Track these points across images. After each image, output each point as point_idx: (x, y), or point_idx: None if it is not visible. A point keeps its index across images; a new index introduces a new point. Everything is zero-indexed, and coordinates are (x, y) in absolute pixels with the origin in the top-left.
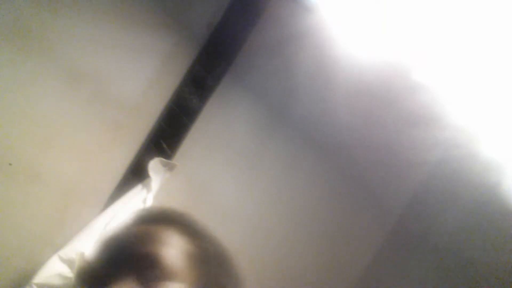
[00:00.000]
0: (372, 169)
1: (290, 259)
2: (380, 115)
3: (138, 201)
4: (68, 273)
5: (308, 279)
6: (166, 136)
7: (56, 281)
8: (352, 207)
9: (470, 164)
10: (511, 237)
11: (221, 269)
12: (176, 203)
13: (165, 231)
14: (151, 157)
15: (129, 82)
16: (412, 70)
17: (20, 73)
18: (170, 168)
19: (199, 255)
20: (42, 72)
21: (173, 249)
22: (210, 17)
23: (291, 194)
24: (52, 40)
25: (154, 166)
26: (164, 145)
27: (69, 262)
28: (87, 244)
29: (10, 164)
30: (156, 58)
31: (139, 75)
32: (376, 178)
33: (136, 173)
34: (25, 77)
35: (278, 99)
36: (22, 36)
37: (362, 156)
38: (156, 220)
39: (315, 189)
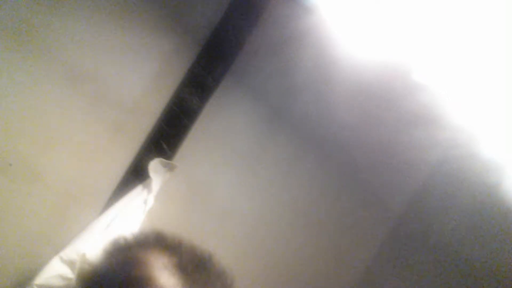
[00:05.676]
0: (372, 169)
1: (290, 259)
2: (380, 115)
3: (139, 202)
4: (69, 274)
5: (308, 278)
6: (166, 137)
7: (57, 282)
8: (352, 207)
9: (470, 164)
10: (511, 237)
11: (209, 271)
12: (176, 203)
13: (149, 253)
14: (151, 158)
15: (129, 82)
16: (412, 70)
17: (20, 74)
18: (171, 168)
19: (184, 264)
20: (42, 72)
21: (161, 269)
22: (210, 17)
23: (291, 193)
24: (53, 41)
25: (155, 166)
26: (164, 146)
27: (70, 263)
28: (88, 245)
29: (10, 164)
30: (156, 58)
31: (139, 75)
32: (376, 178)
33: (136, 174)
34: (25, 78)
35: (278, 99)
36: (23, 37)
37: (362, 156)
38: (139, 244)
39: (315, 189)
